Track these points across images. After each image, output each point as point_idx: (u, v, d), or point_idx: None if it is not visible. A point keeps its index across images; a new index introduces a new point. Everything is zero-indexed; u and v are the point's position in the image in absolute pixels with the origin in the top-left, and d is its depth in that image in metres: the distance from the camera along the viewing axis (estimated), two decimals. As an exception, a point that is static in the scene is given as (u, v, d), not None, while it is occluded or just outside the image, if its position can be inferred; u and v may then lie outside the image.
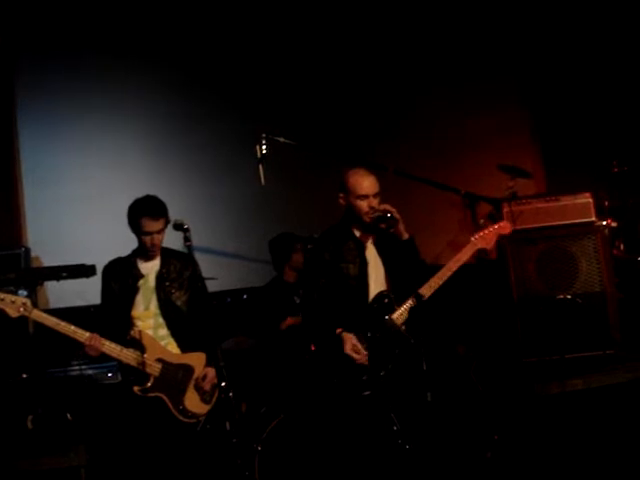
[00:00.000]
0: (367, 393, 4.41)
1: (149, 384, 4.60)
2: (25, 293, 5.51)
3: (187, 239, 4.50)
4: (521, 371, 5.84)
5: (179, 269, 4.83)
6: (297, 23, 7.68)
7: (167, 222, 4.74)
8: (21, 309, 4.39)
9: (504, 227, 4.83)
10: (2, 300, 4.36)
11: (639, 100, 7.84)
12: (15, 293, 5.50)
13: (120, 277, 4.78)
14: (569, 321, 5.86)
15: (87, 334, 4.49)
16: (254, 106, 7.51)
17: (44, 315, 4.48)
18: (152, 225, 4.69)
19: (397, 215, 4.43)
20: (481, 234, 4.72)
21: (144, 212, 4.70)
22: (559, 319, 5.84)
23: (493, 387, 5.87)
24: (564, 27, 8.01)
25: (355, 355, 4.35)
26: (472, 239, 4.69)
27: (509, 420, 5.53)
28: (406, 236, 4.49)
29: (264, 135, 5.43)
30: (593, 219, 6.07)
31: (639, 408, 5.81)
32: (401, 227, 4.46)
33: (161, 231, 4.74)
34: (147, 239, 4.71)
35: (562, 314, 5.86)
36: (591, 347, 5.93)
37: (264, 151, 5.49)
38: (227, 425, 4.34)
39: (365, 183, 4.50)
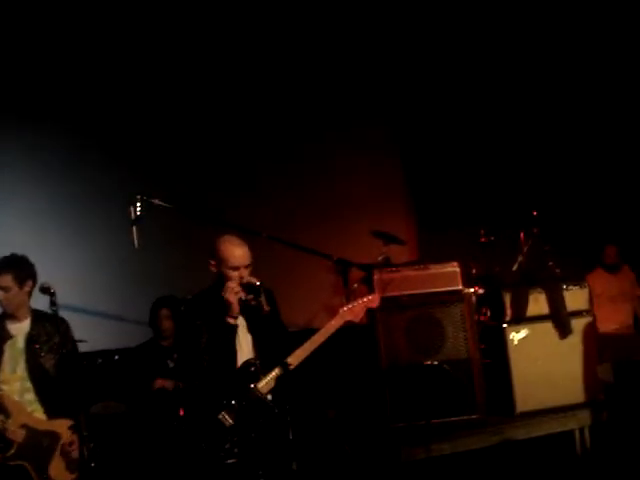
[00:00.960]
0: (232, 461, 4.37)
1: (12, 451, 4.44)
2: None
3: (53, 303, 4.44)
4: (388, 436, 5.93)
5: (49, 332, 4.72)
6: (170, 82, 7.72)
7: (22, 281, 4.65)
8: None
9: (372, 300, 4.87)
10: None
11: (510, 171, 8.25)
12: None
13: None
14: (436, 387, 6.01)
15: None
16: (131, 167, 7.46)
17: None
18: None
19: (261, 289, 4.45)
20: (350, 307, 4.76)
21: None
22: (426, 385, 5.97)
23: (361, 451, 5.93)
24: (441, 89, 8.34)
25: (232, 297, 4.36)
26: (340, 311, 4.72)
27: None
28: (267, 309, 4.50)
29: (138, 197, 5.37)
30: (460, 287, 6.28)
31: (504, 471, 6.01)
32: (263, 300, 4.47)
33: (7, 289, 4.65)
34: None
35: (429, 380, 6.00)
36: (457, 412, 6.08)
37: (138, 213, 5.42)
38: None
39: (236, 254, 4.50)
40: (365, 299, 4.87)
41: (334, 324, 4.67)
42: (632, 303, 7.67)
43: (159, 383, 5.80)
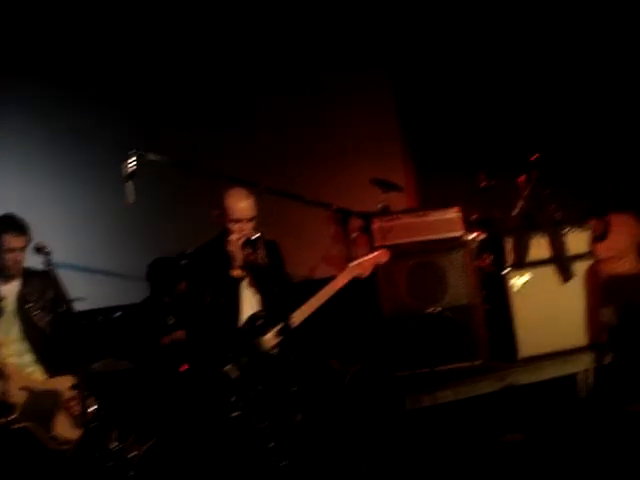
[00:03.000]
0: (237, 414, 4.37)
1: (15, 414, 4.41)
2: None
3: (48, 263, 4.37)
4: (392, 384, 5.93)
5: (41, 289, 4.66)
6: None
7: (29, 241, 4.58)
8: None
9: (382, 256, 4.80)
10: None
11: (509, 114, 8.13)
12: None
13: None
14: (438, 334, 6.00)
15: None
16: (127, 121, 7.35)
17: None
18: (15, 242, 4.55)
19: (260, 242, 4.40)
20: (359, 261, 4.68)
21: (6, 229, 4.54)
22: (428, 333, 5.96)
23: (367, 400, 5.93)
24: (439, 38, 8.20)
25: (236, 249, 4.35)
26: (349, 266, 4.65)
27: (382, 433, 5.60)
28: (264, 262, 4.45)
29: (132, 151, 5.29)
30: (461, 233, 6.24)
31: (507, 416, 6.02)
32: (261, 253, 4.42)
33: (24, 249, 4.58)
34: (9, 257, 4.55)
35: (431, 328, 5.99)
36: (460, 358, 6.09)
37: (132, 168, 5.34)
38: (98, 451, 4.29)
39: (239, 206, 4.47)
40: (375, 254, 4.80)
41: (342, 279, 4.62)
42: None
43: (166, 340, 5.78)
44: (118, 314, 6.65)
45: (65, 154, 7.29)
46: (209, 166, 5.79)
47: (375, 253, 4.81)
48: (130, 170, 5.27)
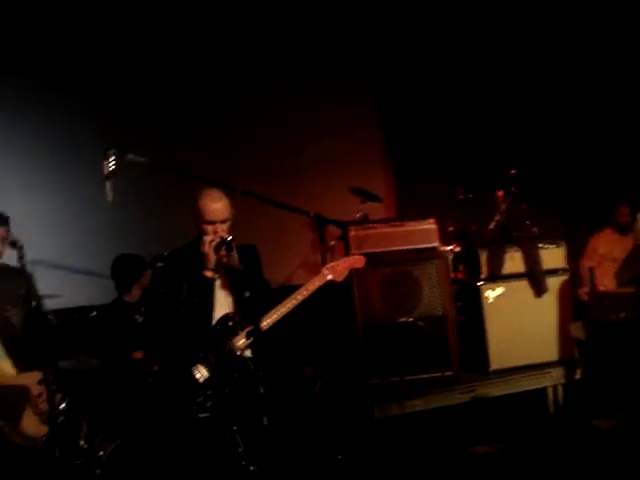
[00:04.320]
0: (204, 415, 4.38)
1: None
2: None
3: (21, 257, 4.36)
4: (362, 393, 5.96)
5: (13, 285, 4.65)
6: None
7: (7, 232, 4.59)
8: None
9: (357, 260, 4.78)
10: None
11: (490, 128, 8.21)
12: None
13: None
14: (410, 344, 6.03)
15: None
16: (109, 120, 7.36)
17: None
18: None
19: (233, 245, 4.41)
20: (333, 265, 4.66)
21: None
22: (401, 342, 5.99)
23: (336, 408, 5.95)
24: (423, 49, 8.27)
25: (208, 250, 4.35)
26: (323, 270, 4.63)
27: (350, 440, 5.62)
28: (237, 266, 4.44)
29: (111, 151, 5.31)
30: (436, 244, 6.28)
31: (477, 427, 6.07)
32: (234, 257, 4.42)
33: (3, 240, 4.58)
34: None
35: (404, 337, 6.02)
36: (431, 369, 6.12)
37: (111, 168, 5.35)
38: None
39: (211, 208, 4.46)
40: (350, 259, 4.80)
41: (316, 283, 4.60)
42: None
43: (138, 355, 5.79)
44: (94, 314, 6.65)
45: (47, 150, 7.30)
46: (190, 167, 5.81)
47: (350, 258, 4.82)
48: (109, 170, 5.27)
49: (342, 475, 5.18)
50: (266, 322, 4.43)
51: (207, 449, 4.46)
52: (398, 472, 5.50)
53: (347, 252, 6.18)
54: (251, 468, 4.45)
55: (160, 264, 5.02)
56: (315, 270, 6.26)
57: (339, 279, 4.68)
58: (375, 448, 5.66)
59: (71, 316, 6.68)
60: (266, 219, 6.95)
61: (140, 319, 5.86)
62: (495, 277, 6.41)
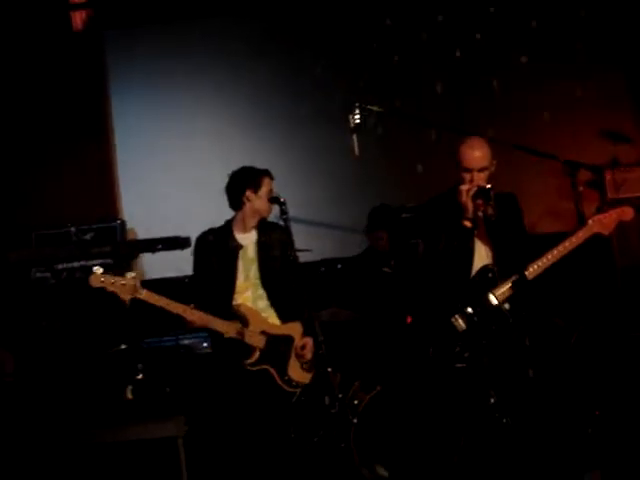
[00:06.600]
0: (460, 365, 4.33)
1: (255, 357, 4.61)
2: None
3: (283, 212, 4.56)
4: (627, 345, 5.65)
5: (277, 240, 4.81)
6: None
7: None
8: (134, 293, 4.30)
9: (626, 212, 4.49)
10: (113, 284, 4.27)
11: None
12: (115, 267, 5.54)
13: (217, 249, 4.74)
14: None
15: (196, 314, 4.46)
16: (354, 77, 7.43)
17: (155, 296, 4.39)
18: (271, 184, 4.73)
19: (491, 194, 4.27)
20: (600, 217, 4.44)
21: (266, 174, 4.74)
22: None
23: (596, 361, 5.70)
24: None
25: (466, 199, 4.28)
26: (589, 222, 4.41)
27: (612, 395, 5.37)
28: (492, 214, 4.29)
29: (357, 104, 5.34)
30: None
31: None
32: (491, 205, 4.27)
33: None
34: (268, 207, 4.73)
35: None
36: None
37: (357, 121, 5.39)
38: (326, 398, 4.45)
39: (469, 156, 4.36)
40: (618, 210, 4.53)
41: (581, 235, 4.40)
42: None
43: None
44: (339, 266, 6.79)
45: (290, 106, 7.54)
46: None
47: (619, 209, 4.54)
48: (355, 123, 5.32)
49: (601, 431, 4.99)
50: (531, 273, 4.30)
51: (459, 400, 4.46)
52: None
53: (601, 197, 5.90)
54: (504, 420, 4.36)
55: (405, 215, 5.01)
56: (563, 218, 6.04)
57: (606, 232, 4.45)
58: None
59: (318, 268, 6.85)
60: (510, 165, 6.72)
61: (388, 271, 5.88)
62: None
